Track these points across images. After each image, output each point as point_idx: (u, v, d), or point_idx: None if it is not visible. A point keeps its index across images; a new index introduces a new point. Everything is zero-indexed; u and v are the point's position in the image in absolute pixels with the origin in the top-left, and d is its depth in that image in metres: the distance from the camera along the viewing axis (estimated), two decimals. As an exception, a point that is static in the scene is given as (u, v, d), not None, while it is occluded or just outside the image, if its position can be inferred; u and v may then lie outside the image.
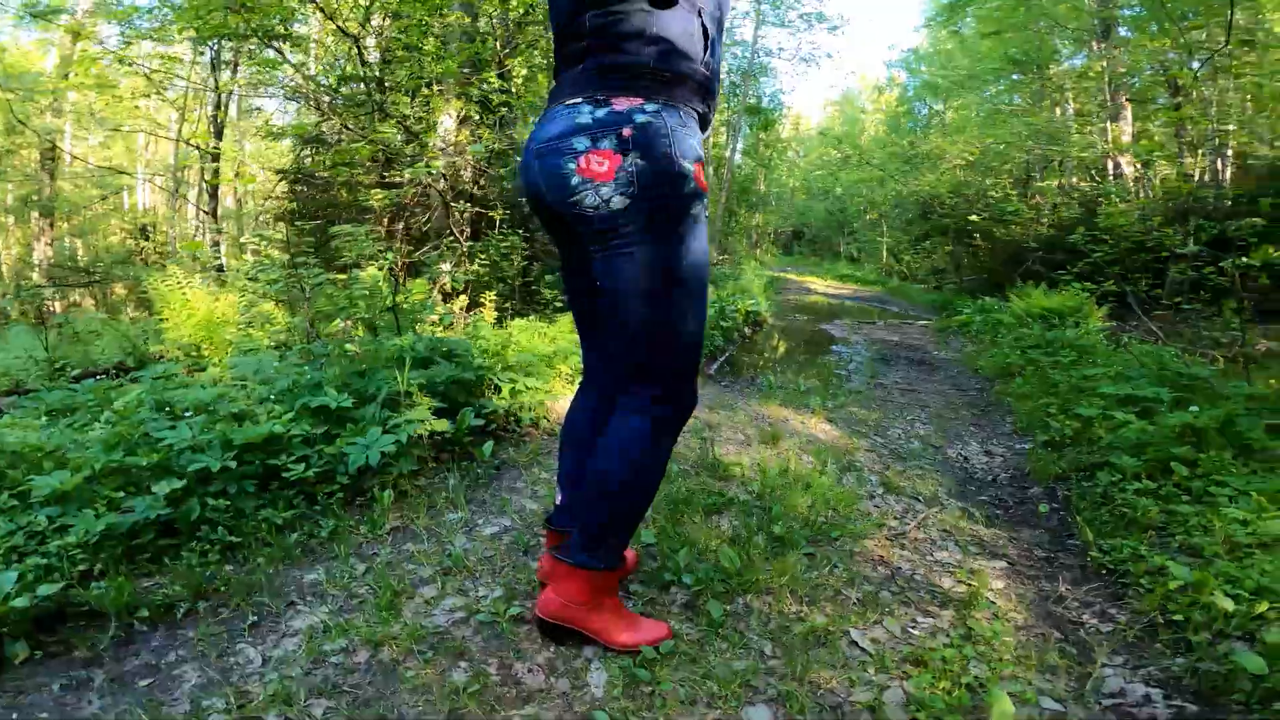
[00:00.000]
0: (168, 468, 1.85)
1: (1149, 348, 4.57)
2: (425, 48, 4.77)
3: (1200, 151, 9.20)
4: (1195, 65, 9.28)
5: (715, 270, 10.18)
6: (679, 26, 1.27)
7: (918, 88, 21.49)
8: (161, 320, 3.96)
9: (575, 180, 1.24)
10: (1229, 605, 1.58)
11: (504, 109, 5.54)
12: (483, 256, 4.96)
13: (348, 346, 2.77)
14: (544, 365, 3.17)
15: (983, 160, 12.48)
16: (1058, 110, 13.13)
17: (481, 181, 5.51)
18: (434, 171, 4.05)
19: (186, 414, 2.13)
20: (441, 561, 1.79)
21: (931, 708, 1.25)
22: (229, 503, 1.84)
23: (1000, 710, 1.17)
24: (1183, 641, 1.56)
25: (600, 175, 1.22)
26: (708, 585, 1.66)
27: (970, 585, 1.82)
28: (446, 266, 4.87)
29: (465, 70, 5.09)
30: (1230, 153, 9.50)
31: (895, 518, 2.28)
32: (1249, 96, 8.80)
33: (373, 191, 4.84)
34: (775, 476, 2.37)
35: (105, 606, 1.47)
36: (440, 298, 4.25)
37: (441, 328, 3.42)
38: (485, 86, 5.01)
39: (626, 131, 1.22)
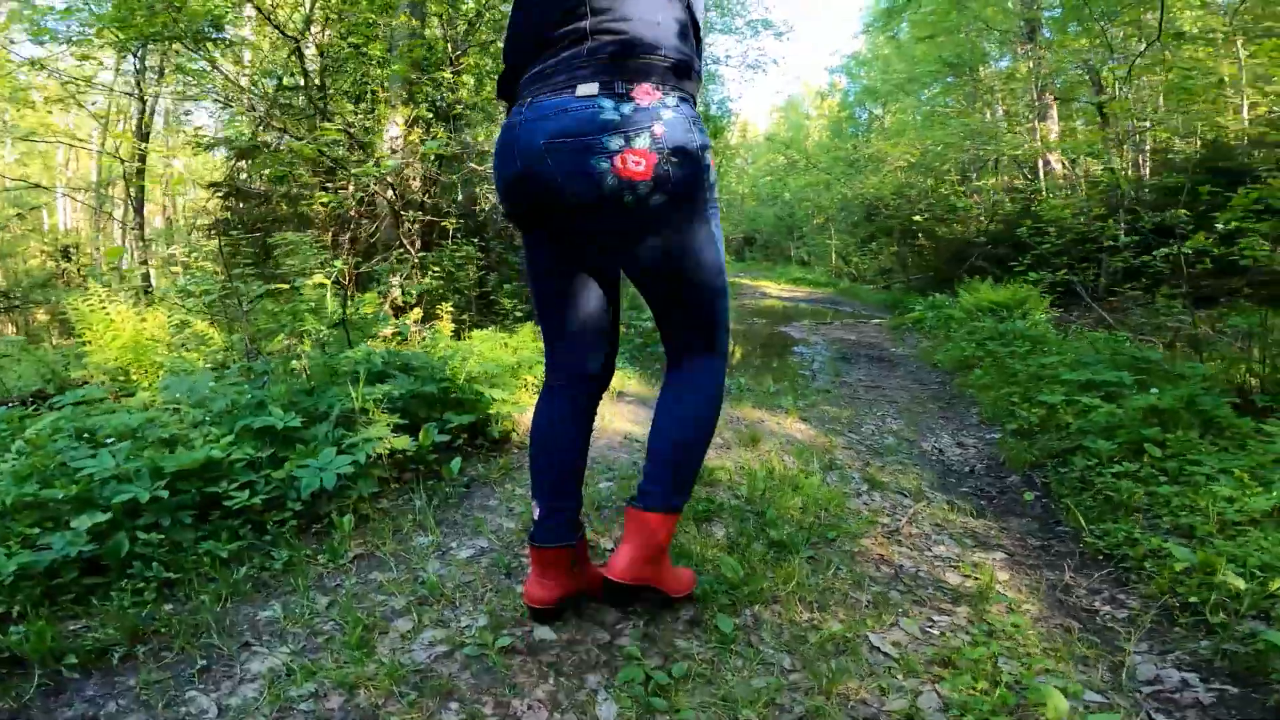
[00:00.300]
0: (89, 500, 1.64)
1: (1100, 335, 4.69)
2: (371, 50, 4.55)
3: (1125, 146, 9.63)
4: (1114, 62, 9.74)
5: None
6: (683, 16, 1.31)
7: (858, 93, 22.03)
8: (83, 343, 3.63)
9: (611, 180, 1.22)
10: (1240, 584, 1.55)
11: (458, 111, 5.36)
12: (436, 268, 4.76)
13: (294, 363, 2.56)
14: (508, 376, 3.01)
15: (923, 161, 12.84)
16: (988, 112, 13.63)
17: (432, 190, 5.31)
18: (383, 172, 3.84)
19: (109, 441, 1.90)
20: (414, 590, 1.62)
21: (976, 710, 1.16)
22: (163, 536, 1.64)
23: (1055, 706, 1.09)
24: (1201, 624, 1.52)
25: (639, 175, 1.22)
26: (712, 599, 1.54)
27: (977, 579, 1.76)
28: (397, 279, 4.65)
29: (415, 76, 4.89)
30: (1149, 148, 9.99)
31: (886, 514, 2.22)
32: (1167, 93, 9.27)
33: (317, 194, 4.55)
34: (762, 479, 2.28)
35: (26, 653, 1.27)
36: (392, 312, 4.03)
37: (396, 341, 3.22)
38: (435, 89, 4.81)
39: (659, 130, 1.23)
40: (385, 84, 5.21)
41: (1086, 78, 10.93)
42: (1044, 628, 1.52)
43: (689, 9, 1.33)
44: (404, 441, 2.13)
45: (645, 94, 1.23)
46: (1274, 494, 1.92)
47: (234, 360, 3.21)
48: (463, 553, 1.83)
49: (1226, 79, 8.66)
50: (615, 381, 3.54)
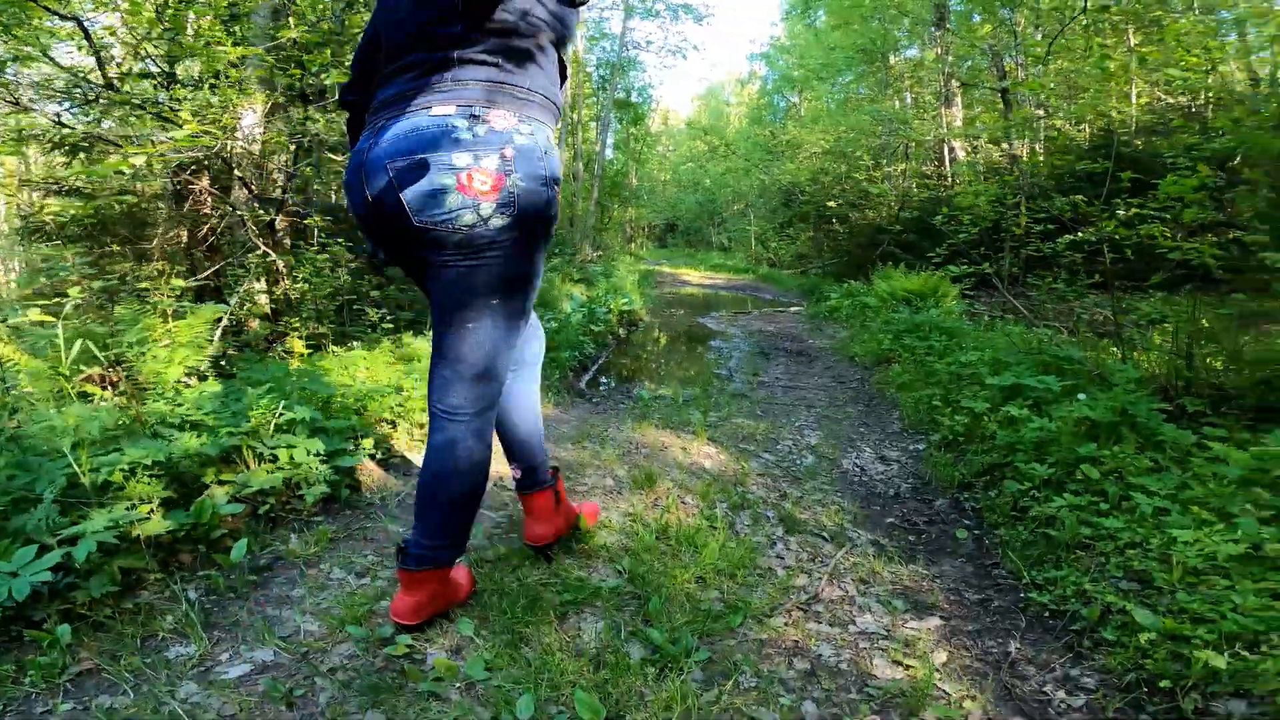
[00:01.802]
0: None
1: (1017, 328, 4.56)
2: (209, 31, 3.84)
3: (1026, 135, 9.81)
4: (1017, 47, 9.89)
5: (589, 268, 9.63)
6: (553, 54, 1.39)
7: (776, 80, 22.01)
8: None
9: (453, 197, 1.22)
10: (1221, 663, 1.27)
11: (318, 94, 4.70)
12: (299, 274, 4.13)
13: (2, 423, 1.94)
14: (351, 413, 2.47)
15: (836, 147, 12.83)
16: (898, 100, 13.77)
17: (292, 185, 4.64)
18: (215, 145, 3.18)
19: None
20: (151, 733, 1.14)
21: None
22: None
23: None
24: (1174, 710, 1.22)
25: (483, 194, 1.22)
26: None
27: (910, 668, 1.42)
28: (244, 289, 4.00)
29: (274, 58, 4.20)
30: (1043, 136, 10.21)
31: (803, 571, 1.87)
32: (1080, 75, 9.47)
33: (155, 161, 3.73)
34: (652, 542, 1.88)
35: None
36: (219, 333, 3.38)
37: (196, 377, 2.59)
38: (301, 72, 4.14)
39: (509, 152, 1.25)
40: (238, 64, 4.49)
41: (990, 66, 11.11)
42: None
43: (560, 47, 1.41)
44: (158, 525, 1.59)
45: (500, 118, 1.26)
46: (1238, 533, 1.67)
47: None
48: (233, 670, 1.35)
49: (1113, 67, 8.91)
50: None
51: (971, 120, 11.41)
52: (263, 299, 4.34)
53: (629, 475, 2.43)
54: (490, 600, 1.57)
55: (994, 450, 2.64)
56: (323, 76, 4.49)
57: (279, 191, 4.53)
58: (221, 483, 1.88)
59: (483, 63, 1.27)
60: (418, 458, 2.55)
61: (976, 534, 2.19)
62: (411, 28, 1.29)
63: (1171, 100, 9.25)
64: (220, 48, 3.62)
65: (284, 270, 4.21)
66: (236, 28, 4.52)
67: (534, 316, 1.67)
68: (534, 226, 1.30)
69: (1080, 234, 3.86)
